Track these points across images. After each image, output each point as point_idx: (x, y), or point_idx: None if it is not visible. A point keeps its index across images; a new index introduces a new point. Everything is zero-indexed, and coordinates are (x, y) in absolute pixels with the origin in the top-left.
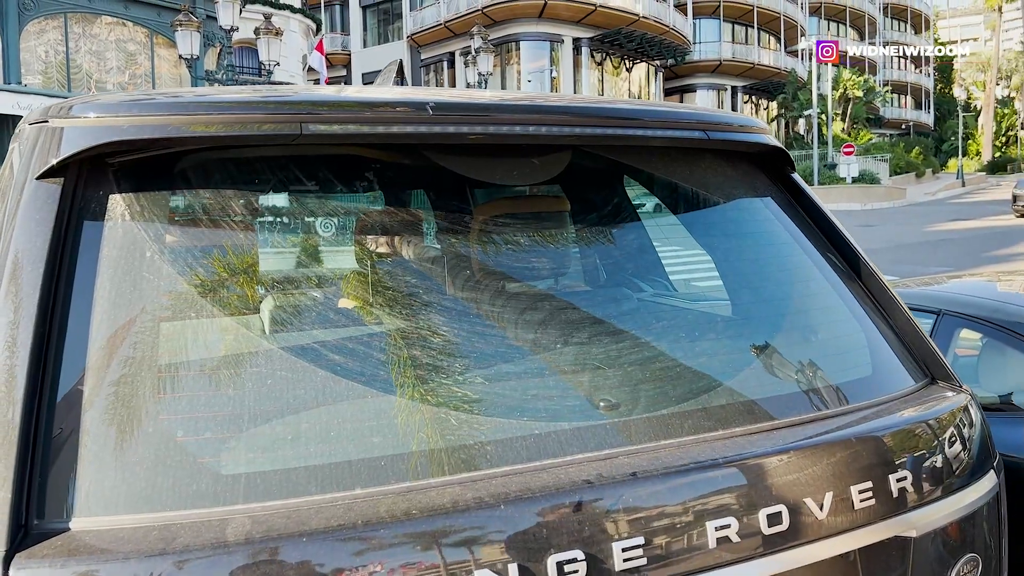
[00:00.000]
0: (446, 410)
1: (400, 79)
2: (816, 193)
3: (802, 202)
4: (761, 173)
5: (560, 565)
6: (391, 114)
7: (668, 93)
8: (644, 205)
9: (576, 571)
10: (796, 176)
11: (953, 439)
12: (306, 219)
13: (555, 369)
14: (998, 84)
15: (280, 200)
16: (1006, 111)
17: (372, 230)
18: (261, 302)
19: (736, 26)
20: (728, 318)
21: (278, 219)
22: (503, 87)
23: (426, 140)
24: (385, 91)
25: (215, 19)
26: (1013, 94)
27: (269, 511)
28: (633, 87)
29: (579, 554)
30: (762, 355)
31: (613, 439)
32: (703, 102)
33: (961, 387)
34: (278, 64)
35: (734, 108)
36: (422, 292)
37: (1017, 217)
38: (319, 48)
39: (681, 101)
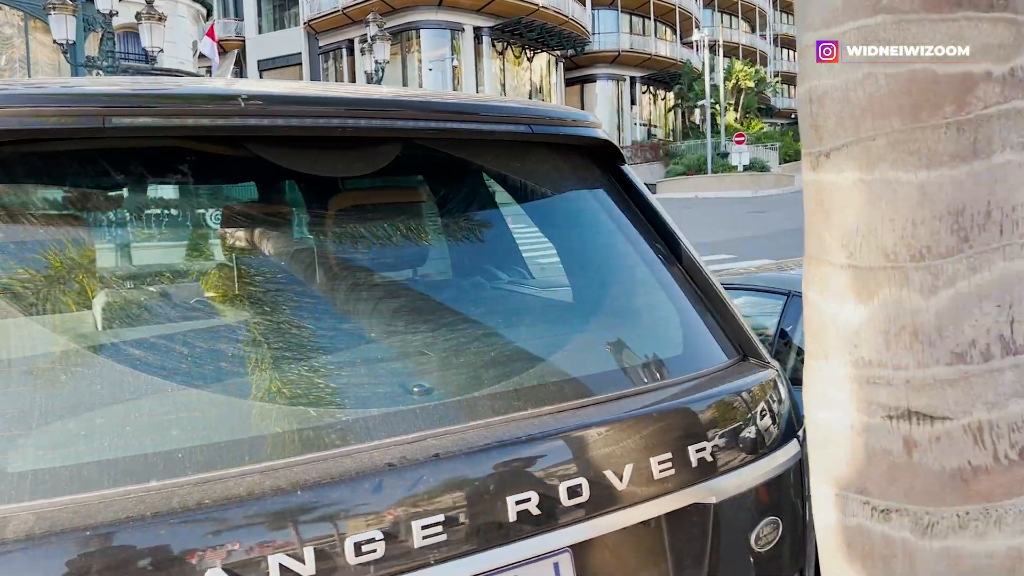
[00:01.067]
0: (250, 401)
1: (239, 70)
2: (710, 180)
3: (631, 193)
4: (594, 166)
5: (358, 546)
6: (199, 107)
7: (569, 83)
8: (494, 195)
9: (374, 550)
10: (627, 168)
11: (761, 411)
12: (118, 214)
13: (372, 357)
14: None
15: (90, 195)
16: None
17: (188, 223)
18: (59, 297)
19: (634, 17)
20: (557, 302)
21: (87, 214)
22: (404, 75)
23: (237, 132)
24: (203, 83)
25: (93, 2)
26: None
27: (56, 507)
28: (535, 77)
29: (377, 534)
30: (581, 336)
31: (423, 422)
32: (603, 92)
33: (769, 363)
34: (162, 51)
35: (633, 98)
36: (228, 283)
37: None
38: (210, 34)
39: (582, 91)
